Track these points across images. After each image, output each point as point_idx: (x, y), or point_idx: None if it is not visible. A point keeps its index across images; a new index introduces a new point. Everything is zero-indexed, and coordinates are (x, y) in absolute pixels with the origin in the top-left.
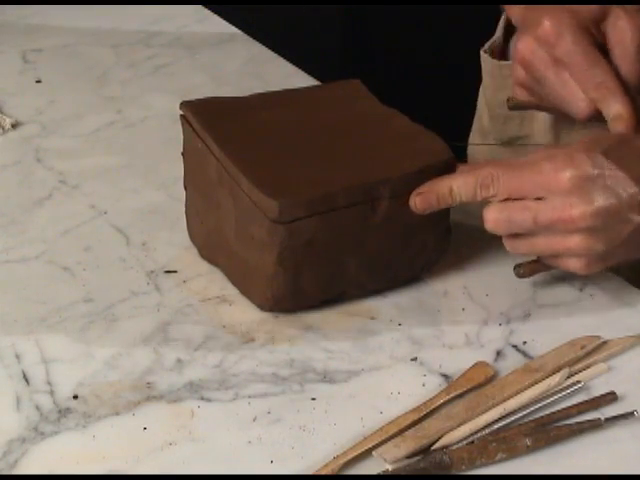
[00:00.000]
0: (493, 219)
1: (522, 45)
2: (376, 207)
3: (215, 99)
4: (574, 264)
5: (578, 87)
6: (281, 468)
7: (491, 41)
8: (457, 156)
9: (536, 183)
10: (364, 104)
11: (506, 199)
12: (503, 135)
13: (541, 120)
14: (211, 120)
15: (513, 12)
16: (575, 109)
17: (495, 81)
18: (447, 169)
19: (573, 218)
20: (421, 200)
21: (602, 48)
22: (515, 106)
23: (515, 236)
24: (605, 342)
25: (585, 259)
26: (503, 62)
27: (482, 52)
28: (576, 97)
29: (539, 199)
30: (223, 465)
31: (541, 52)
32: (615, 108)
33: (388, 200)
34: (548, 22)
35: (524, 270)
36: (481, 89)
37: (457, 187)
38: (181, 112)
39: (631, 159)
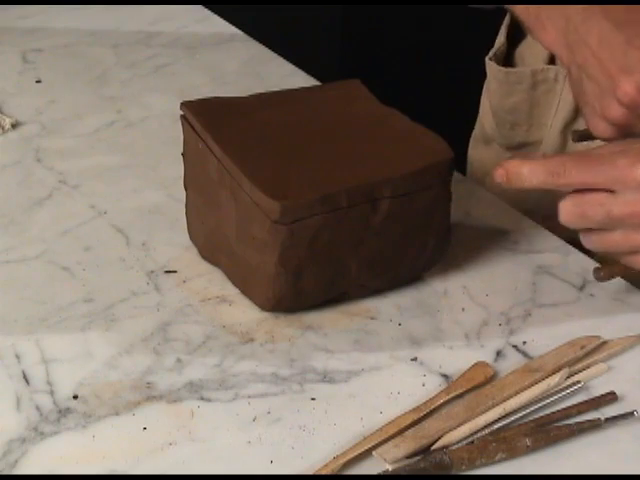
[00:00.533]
0: (567, 212)
1: (629, 87)
2: (377, 207)
3: (215, 99)
4: None
5: None
6: (281, 468)
7: (495, 48)
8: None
9: (610, 176)
10: (364, 104)
11: (578, 191)
12: (510, 141)
13: (552, 126)
14: (212, 120)
15: (554, 47)
16: None
17: (502, 87)
18: (449, 169)
19: None
20: (498, 174)
21: None
22: (582, 138)
23: (590, 231)
24: (605, 342)
25: None
26: (510, 69)
27: (487, 60)
28: None
29: (611, 192)
30: (223, 465)
31: None
32: None
33: (389, 200)
34: None
35: (604, 273)
36: (484, 95)
37: (527, 171)
38: (181, 112)
39: None
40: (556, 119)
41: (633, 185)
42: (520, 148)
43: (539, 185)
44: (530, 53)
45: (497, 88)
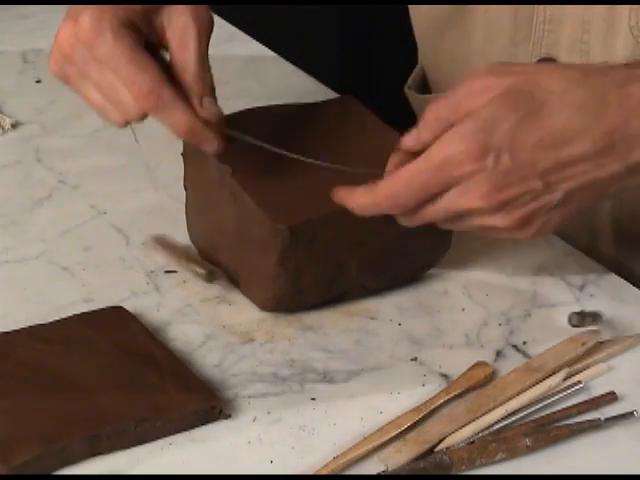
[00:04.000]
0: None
1: (62, 36)
2: None
3: None
4: (511, 237)
5: (126, 92)
6: (281, 468)
7: (412, 76)
8: None
9: (438, 184)
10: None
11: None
12: None
13: None
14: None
15: None
16: (122, 115)
17: None
18: None
19: (479, 207)
20: (336, 200)
21: (154, 45)
22: None
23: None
24: (605, 342)
25: (518, 233)
26: (429, 95)
27: (406, 89)
28: (124, 101)
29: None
30: (223, 465)
31: (81, 49)
32: (171, 119)
33: None
34: (87, 17)
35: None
36: None
37: (360, 207)
38: None
39: (545, 128)
40: None
41: (457, 181)
42: None
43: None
44: (447, 76)
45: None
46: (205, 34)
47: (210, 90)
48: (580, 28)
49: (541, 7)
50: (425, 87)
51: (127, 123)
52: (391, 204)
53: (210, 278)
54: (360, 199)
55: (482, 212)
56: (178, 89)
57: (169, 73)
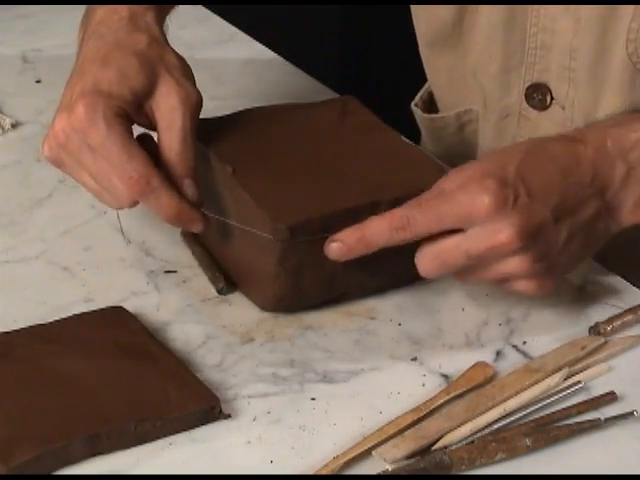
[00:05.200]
0: (427, 266)
1: (58, 126)
2: (377, 207)
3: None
4: (525, 286)
5: (117, 178)
6: (281, 468)
7: (421, 93)
8: None
9: (455, 217)
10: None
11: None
12: None
13: None
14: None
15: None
16: (114, 200)
17: (431, 133)
18: None
19: (503, 243)
20: (335, 249)
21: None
22: None
23: (461, 272)
24: (605, 342)
25: (533, 279)
26: (434, 115)
27: (413, 106)
28: (116, 187)
29: (462, 231)
30: (223, 465)
31: (76, 138)
32: (158, 204)
33: (388, 203)
34: (82, 107)
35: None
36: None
37: (369, 234)
38: None
39: (544, 165)
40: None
41: (479, 221)
42: None
43: (386, 244)
44: (446, 95)
45: (426, 134)
46: (192, 115)
47: (191, 172)
48: (568, 56)
49: (532, 33)
50: (432, 104)
51: (121, 207)
52: (402, 224)
53: (224, 292)
54: (375, 223)
55: (504, 253)
56: (166, 172)
57: (158, 157)
